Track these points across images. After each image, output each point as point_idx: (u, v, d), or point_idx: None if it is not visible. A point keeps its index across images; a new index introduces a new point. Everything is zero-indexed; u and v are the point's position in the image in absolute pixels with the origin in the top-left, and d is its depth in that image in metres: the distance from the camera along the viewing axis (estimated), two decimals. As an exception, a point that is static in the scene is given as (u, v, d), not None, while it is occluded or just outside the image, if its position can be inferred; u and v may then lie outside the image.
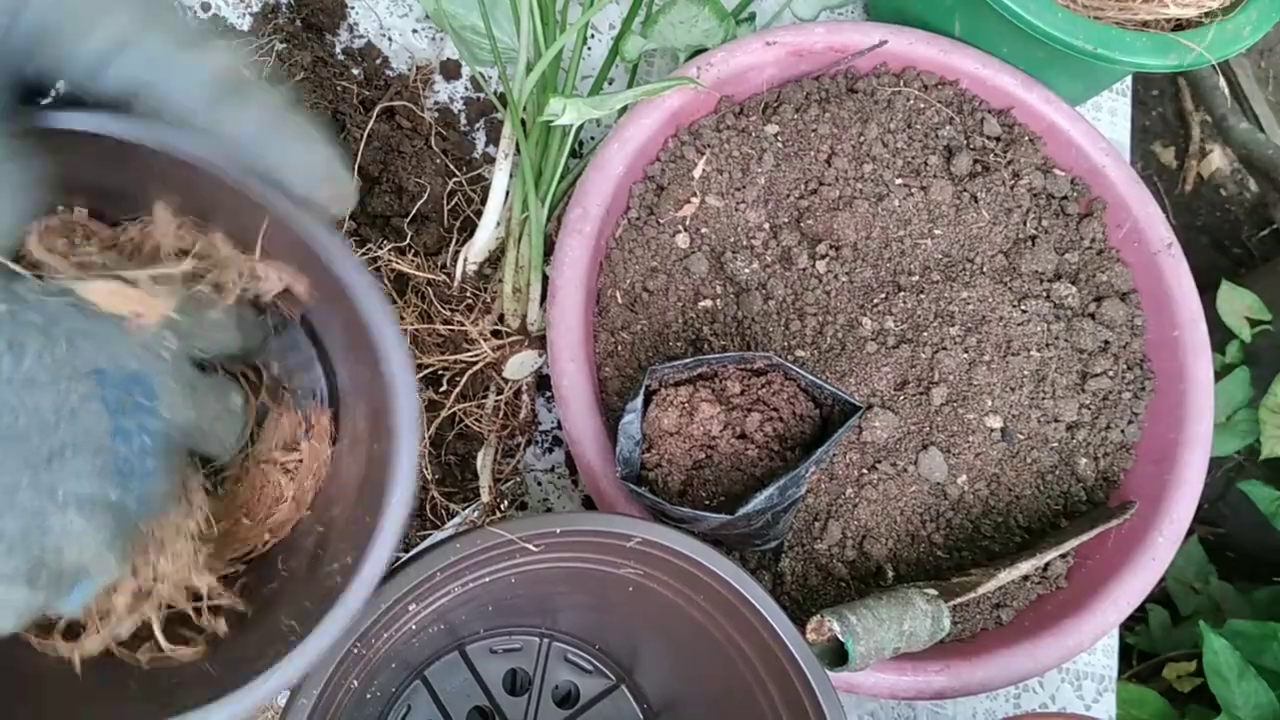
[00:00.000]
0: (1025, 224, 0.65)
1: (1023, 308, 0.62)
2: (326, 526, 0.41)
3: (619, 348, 0.60)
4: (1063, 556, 0.61)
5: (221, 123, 0.30)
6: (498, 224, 0.62)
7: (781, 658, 0.45)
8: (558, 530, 0.43)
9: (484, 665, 0.58)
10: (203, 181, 0.33)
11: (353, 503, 0.40)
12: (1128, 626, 1.24)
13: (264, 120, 0.31)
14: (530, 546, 0.43)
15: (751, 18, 0.74)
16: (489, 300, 0.62)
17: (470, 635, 0.57)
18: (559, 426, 0.67)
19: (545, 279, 0.60)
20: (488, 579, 0.47)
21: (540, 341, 0.61)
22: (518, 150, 0.62)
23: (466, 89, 0.71)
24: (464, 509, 0.59)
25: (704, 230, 0.62)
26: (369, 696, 0.52)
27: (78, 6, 0.28)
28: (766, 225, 0.63)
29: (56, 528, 0.31)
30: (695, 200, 0.62)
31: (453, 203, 0.65)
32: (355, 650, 0.41)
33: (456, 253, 0.63)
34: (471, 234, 0.63)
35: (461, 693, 0.57)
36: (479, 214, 0.63)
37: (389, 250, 0.62)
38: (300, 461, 0.43)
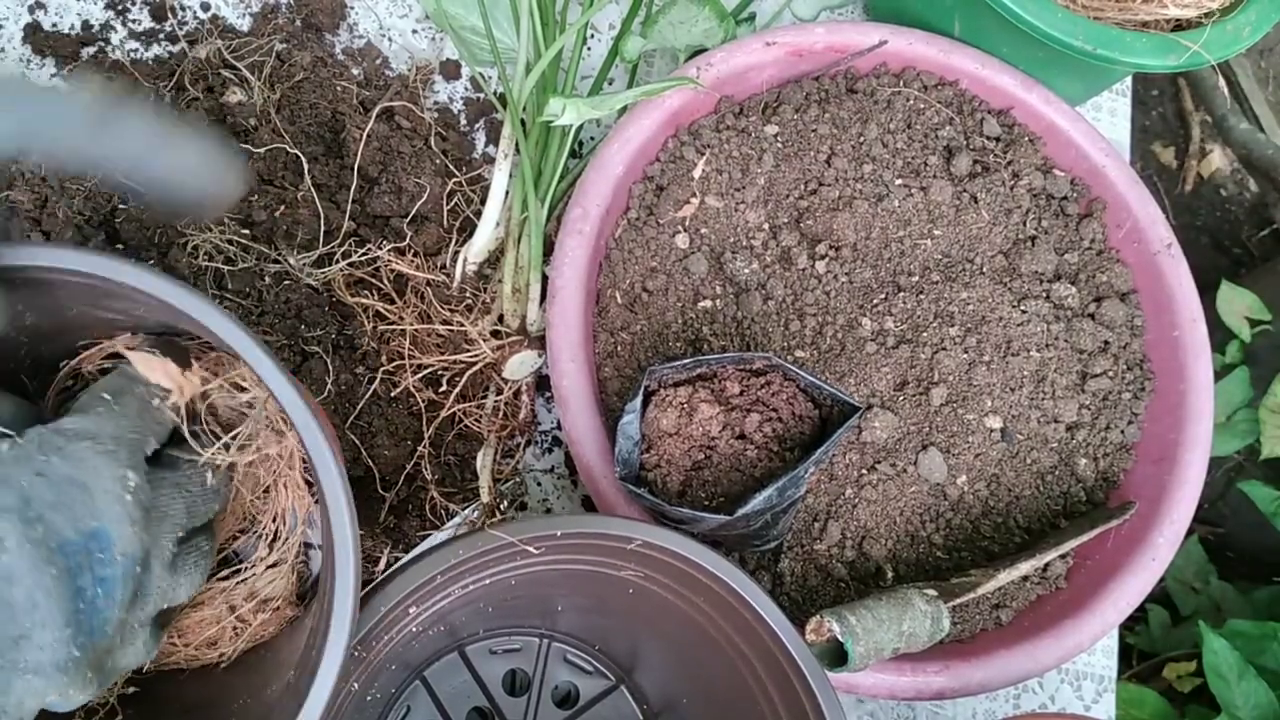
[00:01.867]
0: (1025, 224, 0.65)
1: (1022, 308, 0.62)
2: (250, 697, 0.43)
3: (618, 348, 0.60)
4: (1062, 557, 0.61)
5: (109, 145, 0.31)
6: (497, 224, 0.62)
7: (781, 659, 0.45)
8: (558, 533, 0.43)
9: (484, 666, 0.58)
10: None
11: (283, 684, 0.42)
12: (1128, 626, 1.24)
13: (148, 133, 0.32)
14: (531, 549, 0.43)
15: (751, 18, 0.74)
16: (489, 300, 0.62)
17: (470, 636, 0.57)
18: (559, 426, 0.66)
19: (545, 279, 0.60)
20: (488, 581, 0.47)
21: (540, 342, 0.61)
22: (517, 150, 0.62)
23: (466, 89, 0.71)
24: (464, 509, 0.59)
25: (704, 230, 0.62)
26: (369, 698, 0.52)
27: None
28: (766, 225, 0.63)
29: (18, 688, 0.34)
30: (695, 200, 0.62)
31: (452, 203, 0.65)
32: (356, 653, 0.41)
33: (456, 253, 0.63)
34: (471, 234, 0.63)
35: (461, 693, 0.57)
36: (479, 214, 0.63)
37: (389, 251, 0.62)
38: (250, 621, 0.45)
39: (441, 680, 0.57)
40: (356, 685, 0.47)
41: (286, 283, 0.60)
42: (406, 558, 0.44)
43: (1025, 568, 0.56)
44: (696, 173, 0.63)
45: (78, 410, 0.39)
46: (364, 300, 0.61)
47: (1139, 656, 1.23)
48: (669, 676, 0.56)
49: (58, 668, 0.34)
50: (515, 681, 0.59)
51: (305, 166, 0.62)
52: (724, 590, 0.45)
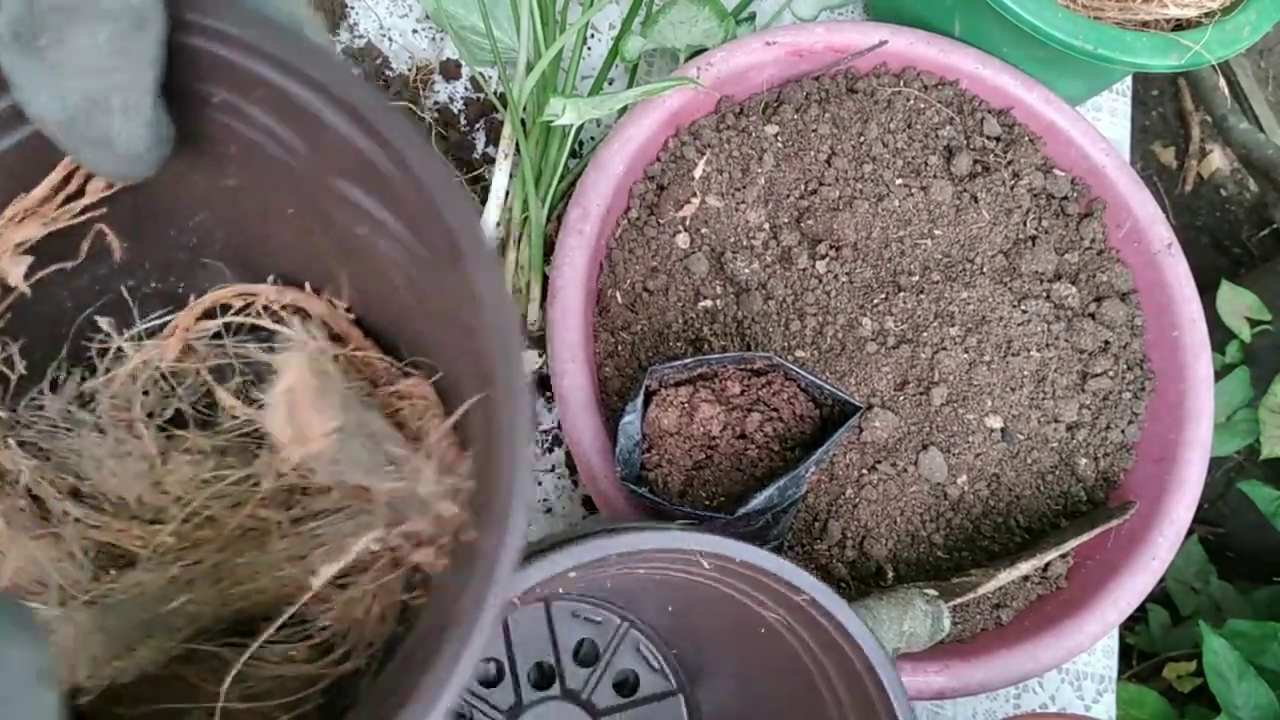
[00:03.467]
0: (1025, 224, 0.65)
1: (1023, 308, 0.62)
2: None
3: (619, 348, 0.60)
4: (1063, 557, 0.61)
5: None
6: (497, 224, 0.62)
7: (866, 680, 0.44)
8: (737, 559, 0.42)
9: (561, 626, 0.57)
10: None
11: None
12: (1128, 626, 1.24)
13: None
14: (704, 563, 0.42)
15: (751, 18, 0.74)
16: (489, 300, 0.62)
17: (563, 592, 0.57)
18: (559, 426, 0.67)
19: (545, 279, 0.60)
20: (642, 571, 0.46)
21: (540, 342, 0.61)
22: (518, 150, 0.62)
23: (466, 89, 0.71)
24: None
25: (704, 230, 0.62)
26: None
27: None
28: (767, 225, 0.63)
29: None
30: (695, 200, 0.62)
31: (453, 203, 0.64)
32: None
33: (456, 253, 0.63)
34: (471, 234, 0.63)
35: (533, 643, 0.57)
36: (478, 214, 0.63)
37: (389, 250, 0.62)
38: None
39: (519, 624, 0.57)
40: None
41: (287, 282, 0.60)
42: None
43: (1025, 567, 0.56)
44: (697, 172, 0.63)
45: None
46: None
47: (1139, 656, 1.23)
48: (733, 698, 0.56)
49: None
50: (583, 651, 0.58)
51: (305, 166, 0.62)
52: (811, 606, 0.44)
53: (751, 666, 0.53)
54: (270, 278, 0.38)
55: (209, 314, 0.39)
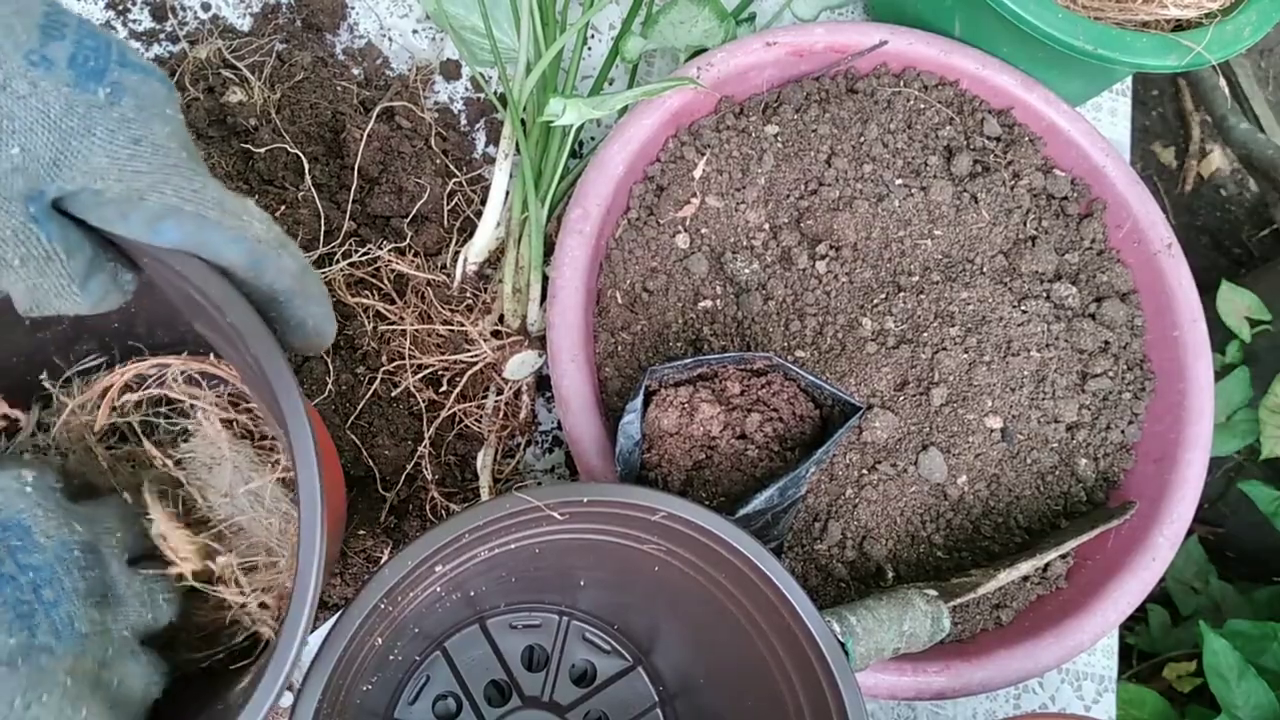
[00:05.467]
0: (1025, 224, 0.65)
1: (1023, 308, 0.62)
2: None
3: (619, 348, 0.60)
4: (1063, 557, 0.61)
5: (261, 279, 0.35)
6: (498, 224, 0.62)
7: (801, 637, 0.45)
8: (584, 499, 0.44)
9: (503, 640, 0.58)
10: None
11: None
12: (1128, 626, 1.24)
13: (295, 277, 0.35)
14: (555, 514, 0.44)
15: (751, 18, 0.74)
16: (489, 301, 0.62)
17: (491, 609, 0.58)
18: (559, 426, 0.67)
19: (545, 279, 0.60)
20: (513, 545, 0.47)
21: (540, 342, 0.61)
22: (518, 150, 0.62)
23: (466, 89, 0.71)
24: (462, 509, 0.59)
25: (704, 230, 0.62)
26: (391, 658, 0.53)
27: (130, 181, 0.31)
28: (766, 225, 0.63)
29: None
30: (695, 200, 0.62)
31: (453, 203, 0.65)
32: (382, 606, 0.42)
33: (456, 253, 0.63)
34: (471, 234, 0.63)
35: (480, 665, 0.58)
36: (479, 214, 0.63)
37: (389, 250, 0.62)
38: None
39: (461, 651, 0.58)
40: (380, 640, 0.47)
41: (287, 283, 0.60)
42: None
43: (1025, 568, 0.56)
44: (697, 173, 0.63)
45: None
46: (364, 300, 0.61)
47: (1139, 656, 1.23)
48: (686, 658, 0.57)
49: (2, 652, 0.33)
50: (533, 657, 0.59)
51: (306, 166, 0.62)
52: (746, 566, 0.45)
53: (699, 628, 0.54)
54: (184, 353, 0.50)
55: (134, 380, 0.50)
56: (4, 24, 0.30)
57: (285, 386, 0.35)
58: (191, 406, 0.49)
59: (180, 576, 0.42)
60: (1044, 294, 0.63)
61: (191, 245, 0.33)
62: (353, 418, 0.60)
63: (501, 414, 0.62)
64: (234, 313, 0.34)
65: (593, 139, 0.72)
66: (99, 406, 0.49)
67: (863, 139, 0.64)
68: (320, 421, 0.52)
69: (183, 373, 0.50)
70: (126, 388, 0.49)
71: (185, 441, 0.48)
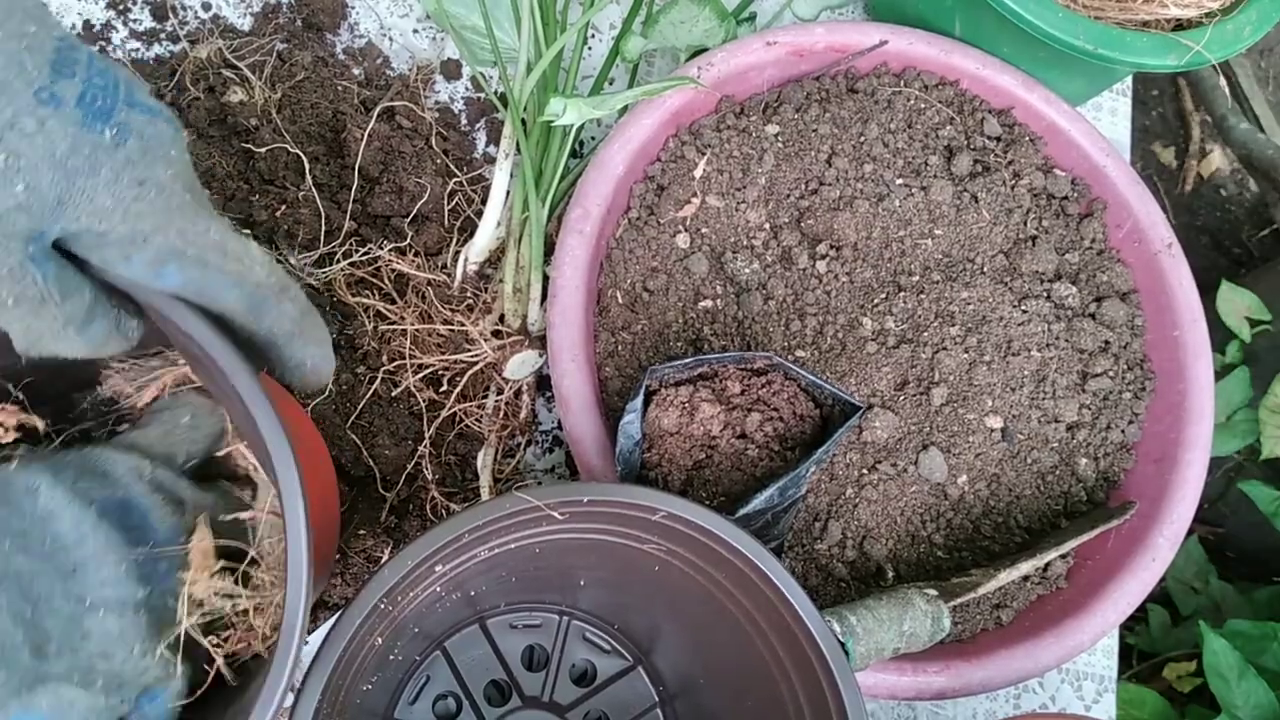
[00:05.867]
0: (1025, 224, 0.65)
1: (1023, 308, 0.62)
2: None
3: (619, 348, 0.60)
4: (1063, 557, 0.61)
5: (260, 324, 0.36)
6: (498, 224, 0.62)
7: (800, 637, 0.45)
8: (585, 499, 0.44)
9: (503, 640, 0.58)
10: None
11: None
12: (1128, 626, 1.24)
13: (294, 321, 0.36)
14: (556, 514, 0.44)
15: (752, 18, 0.74)
16: (489, 300, 0.62)
17: (491, 609, 0.58)
18: (559, 426, 0.67)
19: (545, 279, 0.60)
20: (513, 545, 0.47)
21: (540, 341, 0.61)
22: (518, 150, 0.62)
23: (467, 89, 0.71)
24: (462, 509, 0.59)
25: (704, 230, 0.62)
26: (391, 658, 0.53)
27: (134, 223, 0.32)
28: (767, 225, 0.63)
29: (95, 631, 0.37)
30: (696, 200, 0.62)
31: (453, 203, 0.65)
32: (382, 606, 0.42)
33: (457, 253, 0.63)
34: (472, 234, 0.63)
35: (480, 665, 0.58)
36: (479, 214, 0.63)
37: (389, 250, 0.62)
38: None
39: (461, 651, 0.58)
40: (380, 640, 0.47)
41: (287, 282, 0.60)
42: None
43: (1026, 567, 0.56)
44: (697, 172, 0.63)
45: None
46: (365, 300, 0.61)
47: (1139, 656, 1.23)
48: (686, 658, 0.57)
49: (124, 603, 0.37)
50: (533, 657, 0.59)
51: (306, 166, 0.62)
52: (746, 566, 0.45)
53: (699, 629, 0.54)
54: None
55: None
56: (15, 59, 0.30)
57: (274, 435, 0.36)
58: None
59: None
60: (1044, 294, 0.63)
61: (193, 290, 0.34)
62: (353, 417, 0.60)
63: (502, 414, 0.62)
64: (216, 352, 0.35)
65: (593, 139, 0.72)
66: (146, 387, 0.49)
67: (863, 139, 0.64)
68: (311, 427, 0.52)
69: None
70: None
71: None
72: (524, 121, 0.62)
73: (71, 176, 0.31)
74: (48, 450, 0.44)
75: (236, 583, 0.44)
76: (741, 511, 0.49)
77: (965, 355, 0.60)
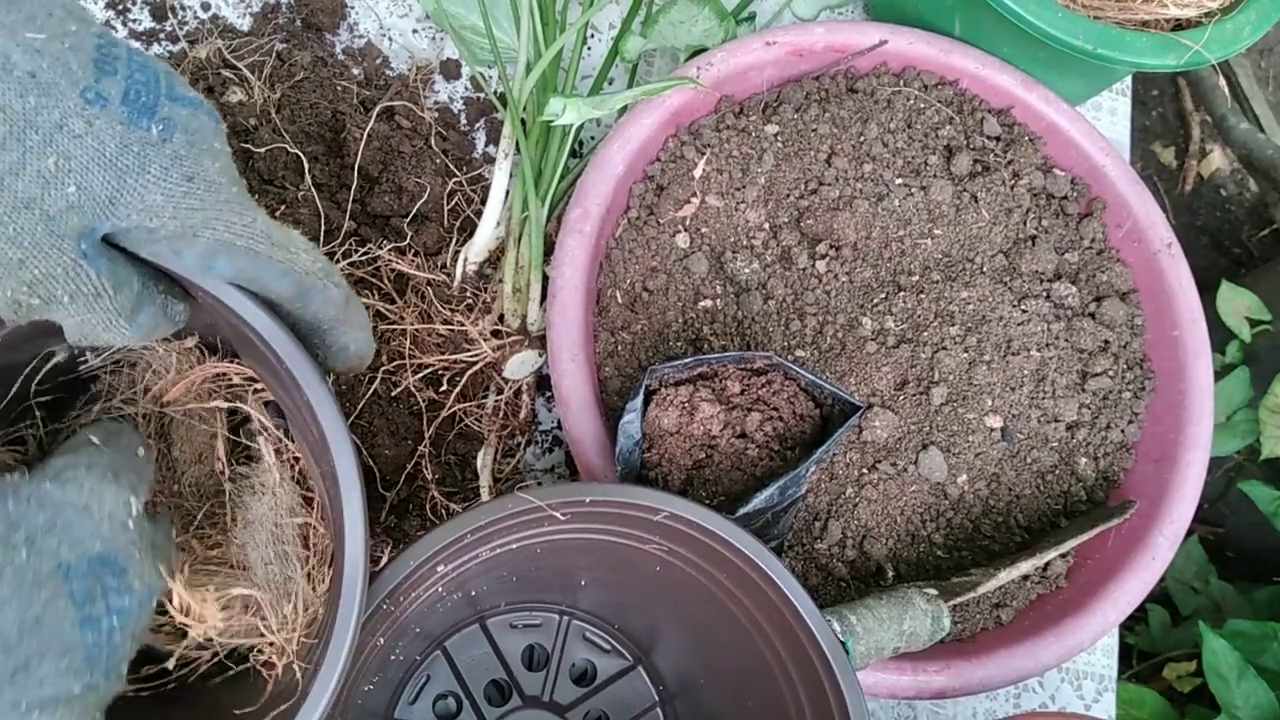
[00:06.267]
0: (1025, 224, 0.65)
1: (1023, 307, 0.62)
2: None
3: (619, 347, 0.60)
4: (1063, 556, 0.61)
5: (307, 309, 0.36)
6: (498, 224, 0.62)
7: (802, 637, 0.45)
8: (587, 499, 0.44)
9: (504, 640, 0.58)
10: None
11: None
12: (1128, 626, 1.24)
13: (339, 307, 0.37)
14: (557, 514, 0.44)
15: (751, 17, 0.74)
16: (489, 300, 0.62)
17: (492, 609, 0.58)
18: (559, 426, 0.67)
19: (545, 279, 0.60)
20: (514, 545, 0.47)
21: (540, 341, 0.61)
22: (518, 150, 0.62)
23: (466, 89, 0.71)
24: (464, 509, 0.59)
25: (704, 230, 0.62)
26: (392, 658, 0.53)
27: (184, 219, 0.32)
28: (766, 225, 0.63)
29: None
30: (695, 200, 0.62)
31: (453, 203, 0.65)
32: (384, 607, 0.42)
33: (456, 253, 0.63)
34: (471, 234, 0.63)
35: (480, 665, 0.58)
36: (479, 214, 0.63)
37: (389, 250, 0.62)
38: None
39: (462, 651, 0.58)
40: (383, 640, 0.47)
41: (287, 282, 0.60)
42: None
43: (1026, 567, 0.56)
44: (697, 172, 0.63)
45: (66, 450, 0.37)
46: (365, 300, 0.61)
47: (1139, 656, 1.23)
48: (687, 657, 0.57)
49: (62, 702, 0.32)
50: (534, 657, 0.59)
51: (306, 166, 0.62)
52: (748, 566, 0.45)
53: (700, 628, 0.54)
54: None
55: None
56: (60, 60, 0.29)
57: (340, 442, 0.36)
58: (262, 428, 0.47)
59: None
60: (1044, 293, 0.63)
61: (244, 280, 0.34)
62: (353, 417, 0.60)
63: (501, 414, 0.62)
64: (287, 355, 0.36)
65: (593, 138, 0.72)
66: (177, 383, 0.48)
67: (863, 138, 0.64)
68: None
69: (259, 390, 0.48)
70: (212, 381, 0.49)
71: (242, 464, 0.47)
72: (523, 121, 0.62)
73: (122, 176, 0.31)
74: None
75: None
76: (741, 511, 0.49)
77: (965, 355, 0.60)
